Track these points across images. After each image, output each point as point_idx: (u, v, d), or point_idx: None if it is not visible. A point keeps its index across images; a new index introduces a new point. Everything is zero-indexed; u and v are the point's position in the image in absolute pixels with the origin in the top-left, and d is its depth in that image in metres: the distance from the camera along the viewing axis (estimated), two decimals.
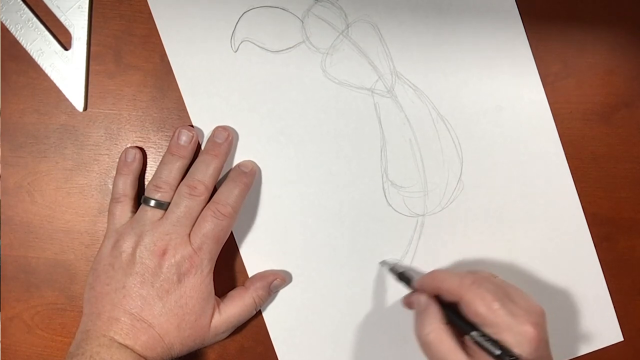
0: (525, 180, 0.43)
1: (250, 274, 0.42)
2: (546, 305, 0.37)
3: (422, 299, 0.38)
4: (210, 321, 0.39)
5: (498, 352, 0.34)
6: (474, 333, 0.35)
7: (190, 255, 0.38)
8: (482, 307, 0.35)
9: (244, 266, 0.43)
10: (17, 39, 0.41)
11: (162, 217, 0.39)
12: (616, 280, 0.44)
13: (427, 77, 0.42)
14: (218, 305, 0.40)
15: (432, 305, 0.38)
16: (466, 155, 0.43)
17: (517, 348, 0.34)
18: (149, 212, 0.39)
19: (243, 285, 0.42)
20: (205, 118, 0.41)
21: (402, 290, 0.42)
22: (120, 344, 0.36)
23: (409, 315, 0.43)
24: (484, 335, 0.35)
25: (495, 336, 0.34)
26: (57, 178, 0.42)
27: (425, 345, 0.37)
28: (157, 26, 0.41)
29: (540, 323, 0.35)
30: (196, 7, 0.41)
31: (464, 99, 0.42)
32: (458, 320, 0.36)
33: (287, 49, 0.42)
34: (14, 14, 0.41)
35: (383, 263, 0.43)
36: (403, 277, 0.41)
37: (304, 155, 0.42)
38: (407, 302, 0.41)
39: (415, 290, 0.40)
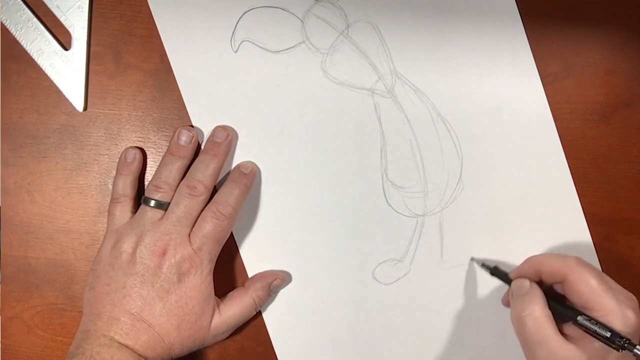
0: (525, 180, 0.43)
1: (250, 274, 0.42)
2: None
3: (526, 282, 0.38)
4: (211, 321, 0.39)
5: (608, 334, 0.33)
6: (580, 317, 0.35)
7: (191, 255, 0.38)
8: (586, 288, 0.35)
9: (244, 266, 0.43)
10: (17, 39, 0.41)
11: (162, 217, 0.39)
12: (616, 280, 0.43)
13: (427, 77, 0.42)
14: (218, 305, 0.40)
15: (536, 288, 0.37)
16: (466, 156, 0.43)
17: (623, 332, 0.34)
18: (149, 212, 0.39)
19: (243, 285, 0.42)
20: (205, 118, 0.41)
21: (400, 289, 0.42)
22: (120, 343, 0.36)
23: (408, 314, 0.43)
24: (591, 319, 0.34)
25: (602, 319, 0.34)
26: (57, 178, 0.42)
27: (523, 328, 0.36)
28: (157, 26, 0.41)
29: (638, 310, 0.35)
30: (196, 7, 0.41)
31: (464, 99, 0.42)
32: (559, 306, 0.36)
33: (287, 49, 0.42)
34: (14, 14, 0.41)
35: (473, 259, 0.42)
36: (497, 271, 0.41)
37: (304, 156, 0.42)
38: (507, 300, 0.41)
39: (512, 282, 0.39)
